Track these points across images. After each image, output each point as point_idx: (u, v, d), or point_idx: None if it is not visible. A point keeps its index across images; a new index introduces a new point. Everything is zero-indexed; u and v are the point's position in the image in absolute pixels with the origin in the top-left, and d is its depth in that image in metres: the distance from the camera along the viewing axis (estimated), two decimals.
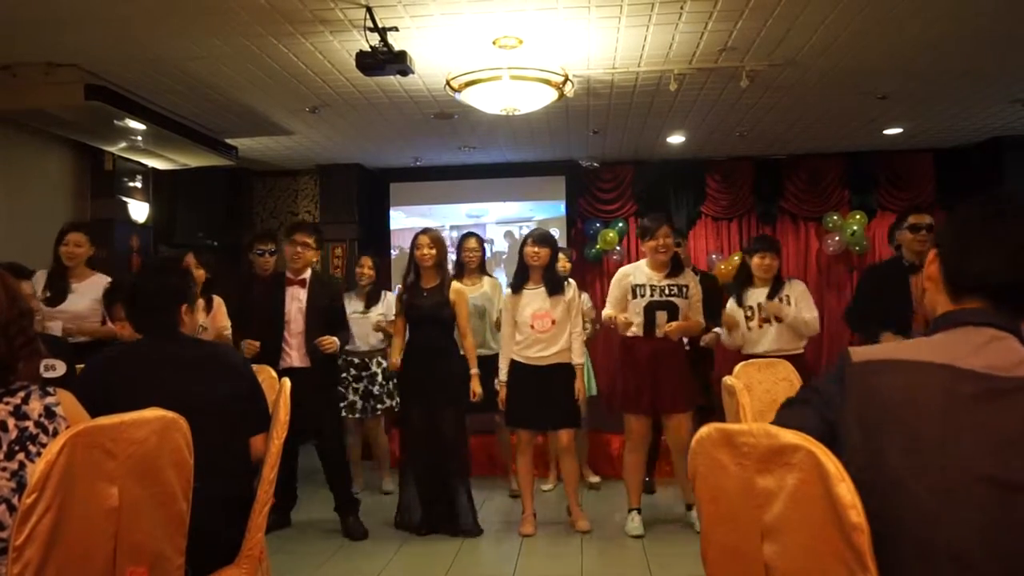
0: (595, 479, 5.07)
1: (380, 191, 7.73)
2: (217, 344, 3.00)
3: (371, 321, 4.86)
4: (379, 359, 4.94)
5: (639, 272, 4.09)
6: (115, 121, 4.69)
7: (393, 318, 4.60)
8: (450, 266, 4.45)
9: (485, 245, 5.03)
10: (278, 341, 4.08)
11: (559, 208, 7.64)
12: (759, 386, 3.02)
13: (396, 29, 3.71)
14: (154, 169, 5.96)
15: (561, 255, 4.74)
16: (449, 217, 7.70)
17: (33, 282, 4.13)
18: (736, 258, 7.38)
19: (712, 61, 4.46)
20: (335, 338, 4.09)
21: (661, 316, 3.97)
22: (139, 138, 5.08)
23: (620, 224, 7.60)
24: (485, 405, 4.21)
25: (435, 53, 4.18)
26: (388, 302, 4.93)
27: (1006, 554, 1.02)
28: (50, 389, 1.65)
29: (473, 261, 4.77)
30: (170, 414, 1.71)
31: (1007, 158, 6.77)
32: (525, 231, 7.60)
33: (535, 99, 4.31)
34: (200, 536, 1.84)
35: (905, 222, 4.00)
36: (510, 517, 4.34)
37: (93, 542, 1.54)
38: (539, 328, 4.02)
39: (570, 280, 4.24)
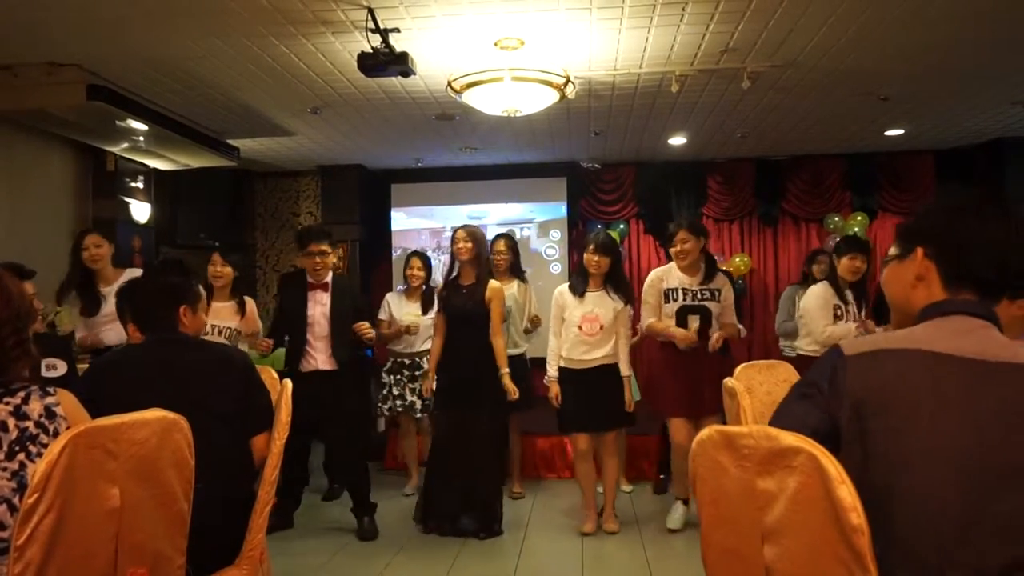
0: (628, 488, 4.93)
1: (381, 192, 7.74)
2: (218, 344, 2.99)
3: (426, 323, 4.79)
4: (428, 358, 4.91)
5: (671, 276, 4.07)
6: (117, 121, 4.69)
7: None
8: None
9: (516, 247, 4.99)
10: (302, 344, 4.09)
11: (560, 209, 7.64)
12: (760, 388, 3.01)
13: (398, 30, 3.71)
14: (156, 170, 5.97)
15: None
16: (450, 218, 7.70)
17: (68, 301, 4.12)
18: (737, 259, 7.40)
19: (714, 62, 4.46)
20: (370, 326, 4.12)
21: (693, 320, 3.97)
22: (141, 138, 5.08)
23: (621, 226, 7.60)
24: (510, 405, 4.15)
25: (437, 54, 4.18)
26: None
27: (981, 537, 1.06)
28: (50, 389, 1.65)
29: (503, 263, 4.76)
30: (171, 415, 1.71)
31: (1008, 159, 6.78)
32: (527, 232, 7.68)
33: (536, 100, 4.31)
34: (201, 536, 1.84)
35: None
36: (511, 518, 4.34)
37: (94, 542, 1.55)
38: (586, 331, 3.99)
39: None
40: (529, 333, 4.90)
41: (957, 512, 1.06)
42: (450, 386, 4.08)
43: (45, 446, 1.56)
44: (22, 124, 4.87)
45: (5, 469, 1.54)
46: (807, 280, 5.26)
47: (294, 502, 4.31)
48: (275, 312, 4.46)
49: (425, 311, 4.85)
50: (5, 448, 1.55)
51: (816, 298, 4.04)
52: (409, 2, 3.51)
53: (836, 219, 7.29)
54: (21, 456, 1.56)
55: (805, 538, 1.08)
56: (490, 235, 7.56)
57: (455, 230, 4.20)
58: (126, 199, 5.71)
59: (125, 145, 5.26)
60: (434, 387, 4.17)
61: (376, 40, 3.67)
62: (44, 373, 2.98)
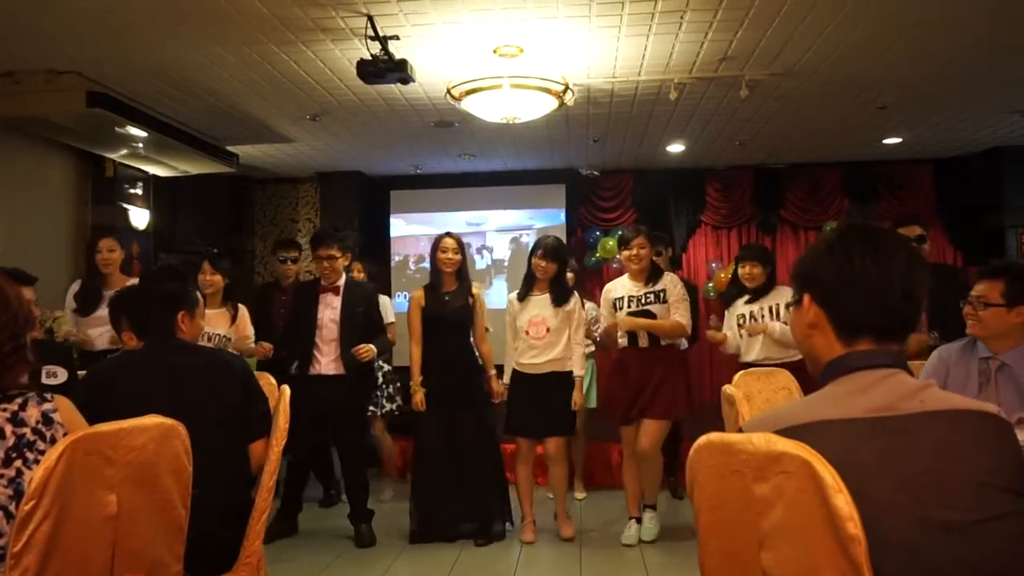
0: (581, 495, 4.94)
1: (380, 199, 7.74)
2: (216, 350, 3.00)
3: None
4: (379, 363, 4.92)
5: (619, 286, 4.14)
6: (116, 128, 4.70)
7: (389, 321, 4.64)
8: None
9: (484, 252, 5.02)
10: (310, 348, 4.09)
11: (559, 216, 7.65)
12: (758, 395, 3.02)
13: (397, 37, 3.73)
14: (155, 176, 5.97)
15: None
16: (449, 225, 7.64)
17: (69, 294, 4.18)
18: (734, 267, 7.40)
19: (712, 70, 4.47)
20: (372, 345, 4.10)
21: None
22: (140, 145, 5.09)
23: (620, 233, 7.60)
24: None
25: (436, 61, 4.19)
26: (384, 304, 4.93)
27: None
28: (47, 395, 1.65)
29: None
30: (169, 421, 1.70)
31: (1006, 168, 6.80)
32: (526, 239, 7.68)
33: (535, 107, 4.32)
34: (198, 543, 1.84)
35: None
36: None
37: (91, 549, 1.54)
38: (533, 335, 4.03)
39: (574, 291, 4.23)
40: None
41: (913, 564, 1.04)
42: (437, 392, 4.06)
43: (42, 452, 1.55)
44: (22, 130, 4.88)
45: (2, 476, 1.54)
46: None
47: (297, 507, 4.30)
48: (256, 316, 4.45)
49: None
50: (2, 455, 1.54)
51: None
52: (408, 9, 3.52)
53: (834, 227, 7.29)
54: (18, 463, 1.55)
55: (802, 545, 1.08)
56: (490, 242, 7.65)
57: (440, 237, 4.16)
58: (125, 205, 5.71)
59: (124, 151, 5.27)
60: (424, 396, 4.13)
61: (375, 47, 3.68)
62: (44, 380, 2.97)
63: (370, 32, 3.58)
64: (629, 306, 4.02)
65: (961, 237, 7.32)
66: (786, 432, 1.12)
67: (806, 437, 1.09)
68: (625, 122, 5.69)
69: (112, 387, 2.13)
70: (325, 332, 4.10)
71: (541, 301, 4.07)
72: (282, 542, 4.09)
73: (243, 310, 4.27)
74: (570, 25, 3.75)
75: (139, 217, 5.85)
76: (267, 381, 2.63)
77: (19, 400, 1.60)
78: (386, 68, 3.72)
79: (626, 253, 4.06)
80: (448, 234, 4.17)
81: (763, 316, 4.07)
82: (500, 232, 7.67)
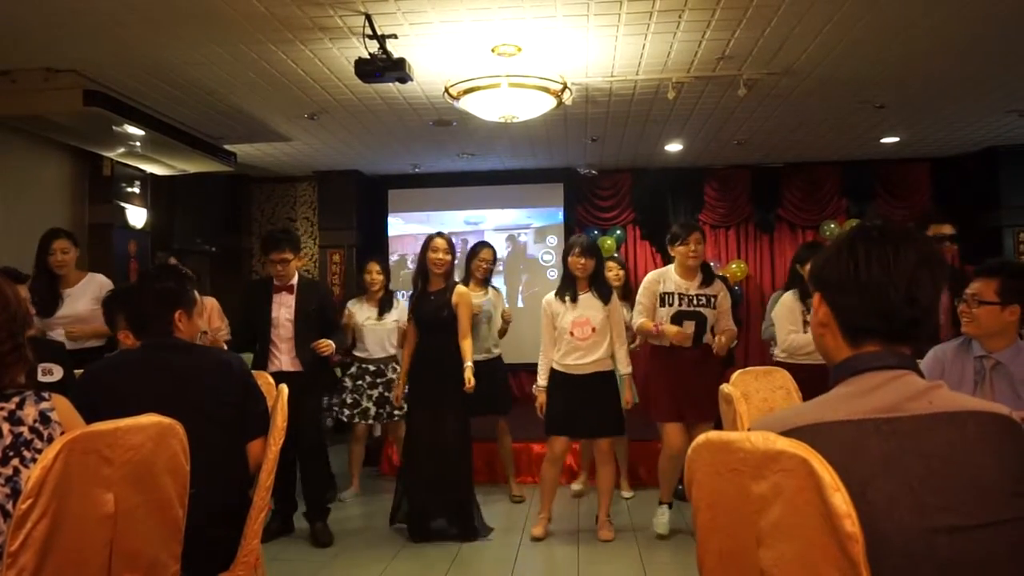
0: (628, 494, 4.89)
1: (379, 197, 7.74)
2: (213, 349, 2.99)
3: (386, 328, 4.87)
4: (394, 365, 4.94)
5: (668, 279, 4.03)
6: (114, 127, 4.69)
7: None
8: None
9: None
10: (266, 345, 4.11)
11: (557, 215, 7.65)
12: (756, 394, 3.01)
13: (395, 36, 3.72)
14: (152, 175, 5.97)
15: (613, 264, 4.74)
16: (447, 224, 7.70)
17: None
18: (733, 266, 7.41)
19: (710, 70, 4.47)
20: (331, 340, 4.11)
21: (688, 325, 3.96)
22: (138, 144, 5.08)
23: (618, 232, 7.62)
24: (486, 407, 4.19)
25: (434, 60, 4.19)
26: (402, 308, 4.96)
27: None
28: (45, 394, 1.65)
29: (484, 272, 4.80)
30: (166, 420, 1.70)
31: (1002, 167, 6.82)
32: (525, 238, 7.69)
33: (533, 107, 4.32)
34: (196, 543, 1.83)
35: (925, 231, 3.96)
36: (508, 522, 4.34)
37: (88, 548, 1.54)
38: (578, 336, 3.98)
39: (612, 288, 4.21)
40: (504, 334, 4.94)
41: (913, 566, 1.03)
42: (420, 390, 4.11)
43: (40, 452, 1.55)
44: (19, 129, 4.87)
45: None
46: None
47: (292, 506, 4.30)
48: (238, 316, 4.45)
49: (381, 315, 4.91)
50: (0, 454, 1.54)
51: (781, 306, 4.07)
52: (407, 8, 3.52)
53: (832, 226, 7.31)
54: (15, 462, 1.55)
55: (801, 543, 1.08)
56: (490, 239, 7.65)
57: (431, 237, 4.15)
58: (122, 204, 5.71)
59: (122, 150, 5.27)
60: (405, 392, 4.23)
61: (373, 46, 3.68)
62: (40, 378, 2.97)
63: (368, 31, 3.58)
64: (680, 304, 3.97)
65: (958, 236, 7.31)
66: (791, 433, 1.11)
67: (811, 438, 1.09)
68: (623, 121, 5.69)
69: (110, 386, 2.12)
70: (282, 330, 4.11)
71: (583, 301, 4.02)
72: (279, 541, 4.09)
73: (211, 302, 4.26)
74: (568, 24, 3.75)
75: (136, 216, 5.85)
76: (265, 380, 2.63)
77: (16, 399, 1.60)
78: (384, 67, 3.72)
79: (682, 249, 3.98)
80: (439, 234, 4.16)
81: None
82: (498, 231, 7.67)
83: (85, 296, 4.09)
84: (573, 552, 3.90)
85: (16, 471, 1.55)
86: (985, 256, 4.57)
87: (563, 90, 4.26)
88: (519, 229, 7.71)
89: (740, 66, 4.41)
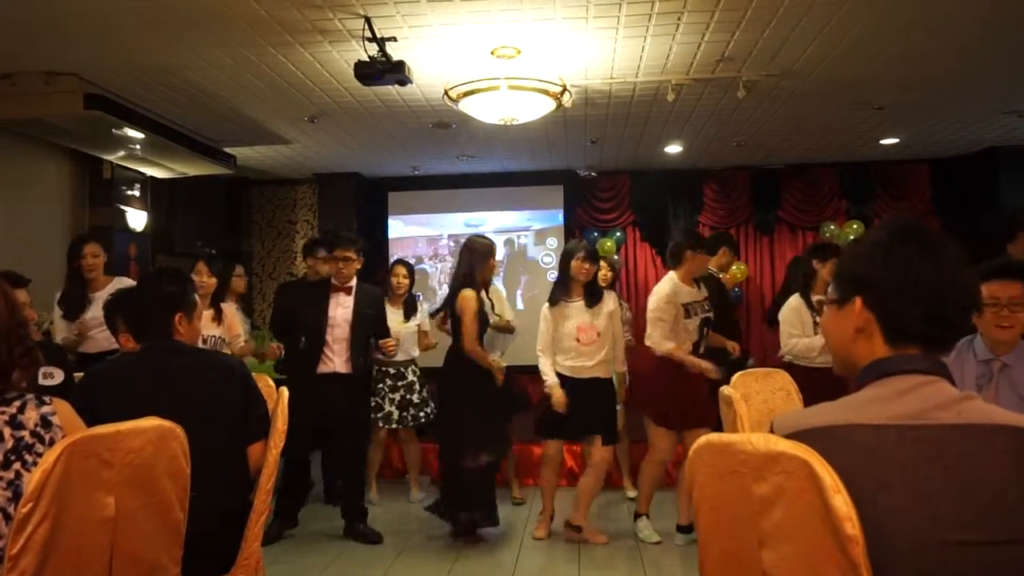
0: (632, 493, 4.85)
1: (379, 200, 7.75)
2: (213, 352, 2.99)
3: (410, 330, 4.85)
4: (414, 368, 4.88)
5: (681, 290, 3.98)
6: (114, 130, 4.70)
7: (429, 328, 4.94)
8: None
9: None
10: (320, 346, 4.10)
11: (557, 217, 7.66)
12: (756, 396, 3.01)
13: (395, 39, 3.73)
14: (152, 178, 5.97)
15: (603, 263, 4.73)
16: (447, 226, 7.72)
17: (54, 302, 4.17)
18: (733, 267, 7.40)
19: (709, 71, 4.48)
20: (394, 340, 4.32)
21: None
22: (138, 147, 5.09)
23: (618, 234, 7.62)
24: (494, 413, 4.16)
25: (433, 63, 4.20)
26: (424, 311, 4.96)
27: None
28: (46, 398, 1.65)
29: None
30: (167, 423, 1.70)
31: (1002, 168, 6.82)
32: (524, 240, 7.69)
33: (533, 109, 4.32)
34: (196, 545, 1.83)
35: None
36: (508, 523, 4.33)
37: (89, 552, 1.54)
38: (584, 341, 3.97)
39: (609, 290, 4.23)
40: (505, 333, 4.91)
41: None
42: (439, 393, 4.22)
43: (41, 455, 1.55)
44: (19, 132, 4.88)
45: (1, 478, 1.54)
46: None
47: (303, 501, 4.30)
48: (279, 315, 4.42)
49: (407, 318, 4.87)
50: (1, 457, 1.54)
51: (787, 308, 4.09)
52: (406, 11, 3.52)
53: (832, 227, 7.31)
54: (17, 465, 1.55)
55: (802, 544, 1.08)
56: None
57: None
58: (122, 207, 5.71)
59: (122, 153, 5.27)
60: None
61: (373, 49, 3.68)
62: (41, 381, 2.96)
63: (367, 34, 3.59)
64: (699, 312, 3.99)
65: (957, 237, 7.32)
66: (808, 433, 1.09)
67: (826, 438, 1.07)
68: (623, 123, 5.69)
69: (110, 389, 2.12)
70: (337, 331, 4.11)
71: (579, 307, 4.02)
72: (280, 544, 4.08)
73: (228, 308, 4.26)
74: (567, 26, 3.75)
75: (136, 219, 5.85)
76: (265, 383, 2.62)
77: (17, 403, 1.60)
78: (384, 69, 3.73)
79: (704, 258, 4.07)
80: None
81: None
82: (498, 233, 7.67)
83: None
84: (574, 553, 3.90)
85: (18, 475, 1.55)
86: (984, 258, 4.56)
87: (563, 92, 4.26)
88: (519, 231, 7.72)
89: (739, 68, 4.42)
